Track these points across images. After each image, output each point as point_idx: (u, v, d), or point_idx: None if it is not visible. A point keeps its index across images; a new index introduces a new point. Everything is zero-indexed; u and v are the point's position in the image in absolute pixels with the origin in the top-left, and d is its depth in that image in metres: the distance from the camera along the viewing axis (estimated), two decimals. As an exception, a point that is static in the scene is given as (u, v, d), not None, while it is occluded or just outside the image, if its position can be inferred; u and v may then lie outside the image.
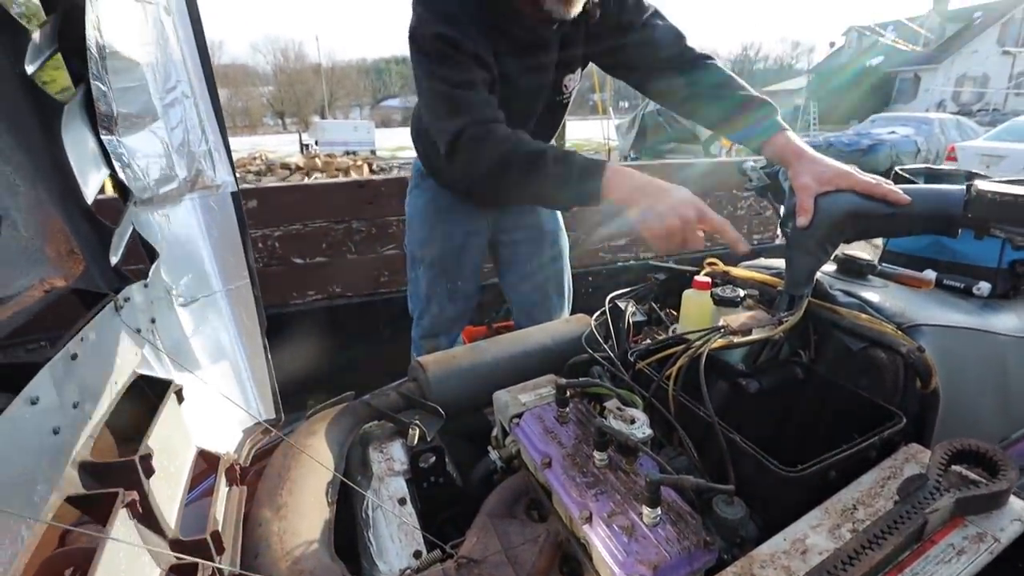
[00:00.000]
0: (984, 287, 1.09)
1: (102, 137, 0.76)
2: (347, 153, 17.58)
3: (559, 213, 1.64)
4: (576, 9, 1.07)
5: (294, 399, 1.75)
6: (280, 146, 23.94)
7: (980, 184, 0.74)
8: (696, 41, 1.23)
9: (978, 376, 0.92)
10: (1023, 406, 1.06)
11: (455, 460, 1.00)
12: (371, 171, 13.72)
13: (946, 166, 1.39)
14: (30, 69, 0.68)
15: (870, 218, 0.82)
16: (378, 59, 75.46)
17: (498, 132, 0.98)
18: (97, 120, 0.75)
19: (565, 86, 1.29)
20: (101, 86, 0.75)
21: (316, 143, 19.57)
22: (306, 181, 11.53)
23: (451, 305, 1.55)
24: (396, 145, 22.94)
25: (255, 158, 14.85)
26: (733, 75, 1.16)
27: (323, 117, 36.63)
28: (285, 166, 13.42)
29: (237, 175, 0.99)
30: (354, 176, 12.34)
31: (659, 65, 1.20)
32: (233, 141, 0.97)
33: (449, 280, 1.52)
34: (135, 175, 0.81)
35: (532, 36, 1.13)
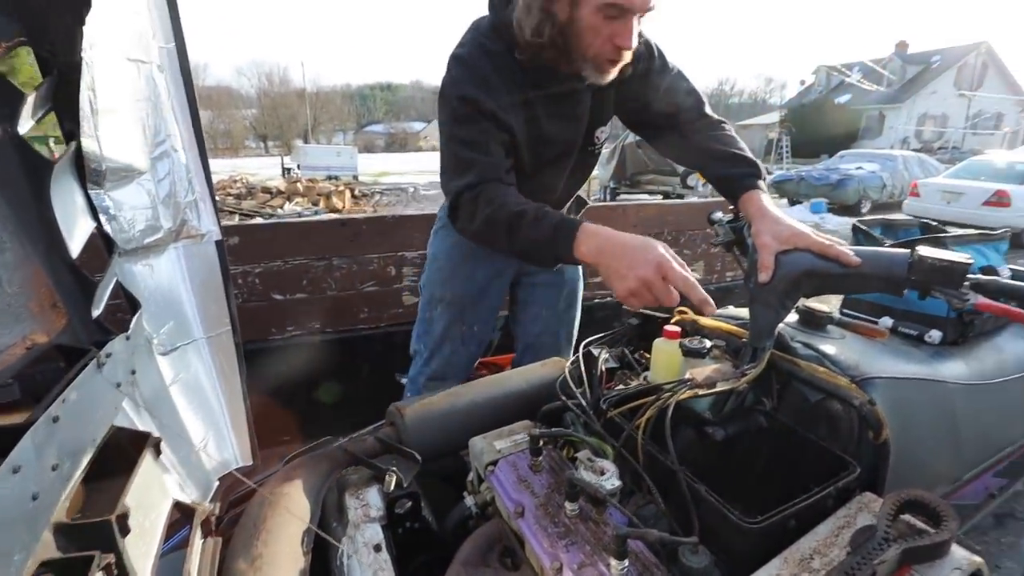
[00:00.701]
0: (935, 335, 1.16)
1: (90, 192, 0.78)
2: (329, 178, 17.59)
3: None
4: (611, 78, 1.12)
5: (272, 433, 1.74)
6: (261, 169, 23.87)
7: (922, 250, 0.80)
8: None
9: (929, 424, 0.98)
10: (973, 449, 1.12)
11: (433, 503, 1.01)
12: (353, 196, 13.74)
13: (901, 216, 1.48)
14: (23, 130, 0.70)
15: (824, 277, 0.88)
16: (362, 85, 76.44)
17: (489, 192, 1.04)
18: (86, 176, 0.77)
19: (597, 137, 1.33)
20: (92, 143, 0.77)
21: (298, 167, 19.55)
22: (286, 207, 11.50)
23: (464, 348, 1.54)
24: (379, 171, 23.03)
25: (235, 181, 14.75)
26: (736, 136, 1.24)
27: (306, 141, 36.68)
28: (266, 190, 13.37)
29: (218, 198, 1.02)
30: (335, 201, 12.35)
31: (677, 127, 1.26)
32: (214, 163, 1.00)
33: (465, 323, 1.51)
34: (120, 227, 0.83)
35: (566, 89, 1.17)
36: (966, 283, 0.77)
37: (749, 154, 1.19)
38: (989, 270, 1.21)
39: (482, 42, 1.13)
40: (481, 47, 1.12)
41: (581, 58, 1.07)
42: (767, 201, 1.05)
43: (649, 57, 1.24)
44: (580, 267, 1.68)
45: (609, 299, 2.40)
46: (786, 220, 0.96)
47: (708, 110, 1.28)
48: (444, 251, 1.50)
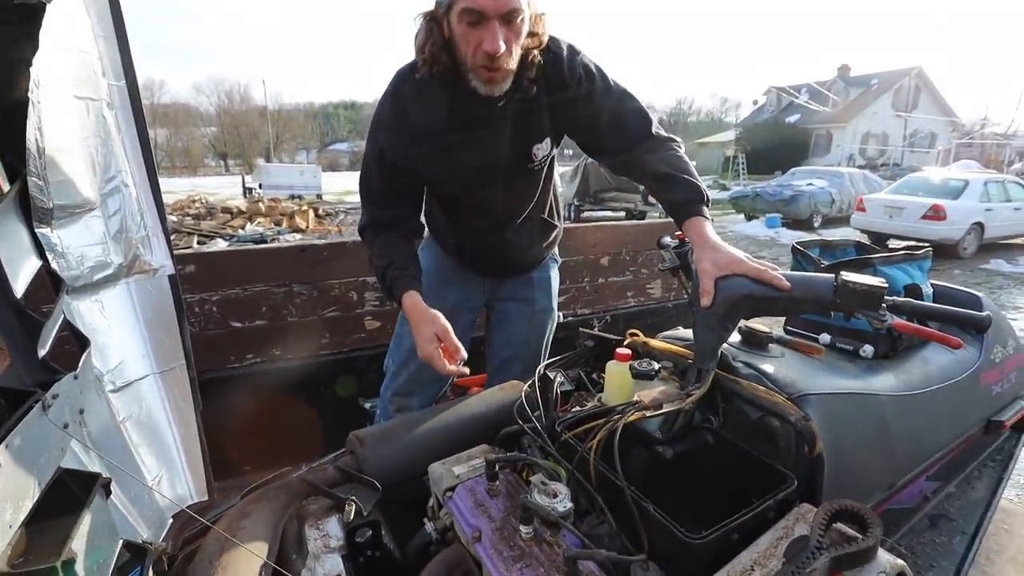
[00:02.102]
0: (868, 349, 1.24)
1: (36, 231, 0.77)
2: (292, 197, 17.32)
3: (554, 291, 1.69)
4: (500, 88, 1.17)
5: (232, 464, 1.70)
6: (221, 188, 23.32)
7: (845, 275, 0.86)
8: (633, 92, 1.32)
9: (862, 435, 1.04)
10: (905, 456, 1.20)
11: (395, 530, 1.02)
12: (317, 216, 13.54)
13: (838, 237, 1.57)
14: (-35, 171, 0.70)
15: (760, 300, 0.94)
16: (326, 103, 75.88)
17: (370, 238, 1.36)
18: (32, 214, 0.77)
19: (534, 155, 1.35)
20: (38, 181, 0.77)
21: (260, 186, 19.19)
22: (247, 228, 11.24)
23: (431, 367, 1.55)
24: (343, 189, 22.79)
25: (194, 201, 14.35)
26: (685, 158, 1.27)
27: (268, 160, 35.98)
28: (226, 210, 13.04)
29: (175, 219, 1.02)
30: (298, 221, 12.15)
31: (626, 149, 1.29)
32: (171, 182, 1.02)
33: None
34: (68, 265, 0.82)
35: (477, 112, 1.22)
36: (884, 305, 0.84)
37: (694, 177, 1.22)
38: (913, 288, 1.30)
39: (396, 84, 1.26)
40: (395, 89, 1.26)
41: (465, 69, 1.15)
42: (708, 228, 1.10)
43: (589, 80, 1.27)
44: (553, 297, 1.69)
45: (570, 319, 2.45)
46: (725, 248, 1.02)
47: (656, 129, 1.30)
48: (422, 269, 1.53)
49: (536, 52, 1.18)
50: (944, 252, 8.39)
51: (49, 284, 0.83)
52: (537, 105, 1.27)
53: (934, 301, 1.44)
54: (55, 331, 0.77)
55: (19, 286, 0.73)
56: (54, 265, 0.80)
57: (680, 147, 1.31)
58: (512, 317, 1.64)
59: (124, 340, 0.91)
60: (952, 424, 1.35)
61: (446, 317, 1.50)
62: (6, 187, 0.77)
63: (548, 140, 1.36)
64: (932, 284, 1.44)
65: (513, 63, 1.14)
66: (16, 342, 0.73)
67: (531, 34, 1.15)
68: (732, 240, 10.20)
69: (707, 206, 1.18)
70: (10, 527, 0.55)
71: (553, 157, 1.44)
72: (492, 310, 1.66)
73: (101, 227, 0.87)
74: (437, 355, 1.19)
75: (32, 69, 0.72)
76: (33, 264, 0.76)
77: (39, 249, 0.78)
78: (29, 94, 0.73)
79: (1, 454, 0.55)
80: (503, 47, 1.07)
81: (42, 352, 0.74)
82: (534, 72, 1.20)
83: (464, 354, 1.21)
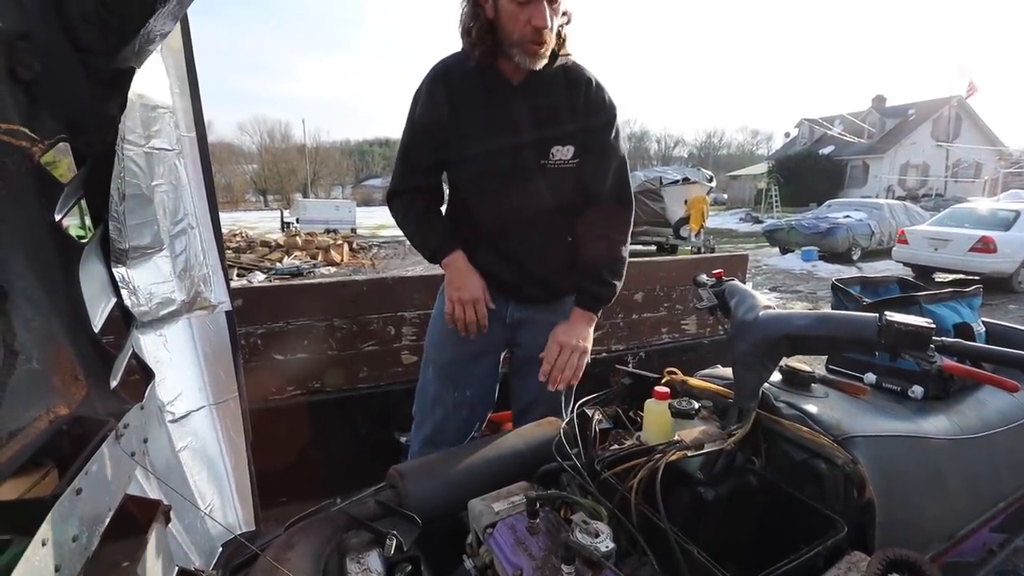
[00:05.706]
0: (918, 390, 1.20)
1: (113, 270, 0.83)
2: (328, 231, 17.86)
3: None
4: (541, 62, 1.25)
5: (271, 495, 1.73)
6: (261, 222, 24.28)
7: (889, 315, 0.85)
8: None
9: (915, 481, 1.00)
10: (964, 504, 1.14)
11: (434, 566, 1.02)
12: (351, 249, 13.93)
13: (879, 269, 1.54)
14: (58, 217, 0.77)
15: (802, 338, 0.93)
16: (361, 141, 78.96)
17: (403, 202, 1.44)
18: (111, 254, 0.83)
19: (552, 153, 1.36)
20: (117, 225, 0.84)
21: (297, 221, 19.89)
22: (284, 261, 11.64)
23: (455, 414, 1.51)
24: (376, 224, 23.41)
25: (235, 235, 14.98)
26: (623, 247, 1.44)
27: (305, 195, 37.38)
28: (265, 244, 13.57)
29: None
30: (333, 254, 12.51)
31: (592, 199, 1.41)
32: None
33: (457, 388, 1.50)
34: (138, 301, 0.88)
35: (497, 93, 1.33)
36: (932, 346, 0.82)
37: (615, 277, 1.40)
38: (964, 327, 1.26)
39: (447, 62, 1.36)
40: (443, 64, 1.35)
41: (509, 45, 1.24)
42: (583, 317, 1.37)
43: (611, 116, 1.38)
44: None
45: (603, 355, 2.44)
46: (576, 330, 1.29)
47: (622, 207, 1.43)
48: (441, 312, 1.47)
49: (564, 28, 1.30)
50: (997, 286, 8.00)
51: (121, 319, 0.89)
52: (562, 106, 1.34)
53: (987, 340, 1.39)
54: (125, 363, 0.82)
55: (97, 321, 0.79)
56: (127, 302, 0.86)
57: (628, 228, 1.46)
58: (532, 363, 1.51)
59: (183, 373, 0.96)
60: (1015, 471, 1.28)
61: (466, 364, 1.51)
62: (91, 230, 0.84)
63: (571, 148, 1.37)
64: (984, 322, 1.39)
65: (553, 39, 1.24)
66: (92, 373, 0.78)
67: (563, 12, 1.27)
68: (767, 274, 9.96)
69: (605, 304, 1.41)
70: (86, 549, 0.59)
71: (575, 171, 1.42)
72: (513, 355, 1.61)
73: (168, 266, 0.94)
74: (482, 298, 1.35)
75: (120, 125, 0.80)
76: (110, 301, 0.82)
77: (115, 287, 0.84)
78: (116, 147, 0.80)
79: (82, 479, 0.59)
80: (550, 22, 1.19)
81: (113, 383, 0.79)
82: (563, 46, 1.31)
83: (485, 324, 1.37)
